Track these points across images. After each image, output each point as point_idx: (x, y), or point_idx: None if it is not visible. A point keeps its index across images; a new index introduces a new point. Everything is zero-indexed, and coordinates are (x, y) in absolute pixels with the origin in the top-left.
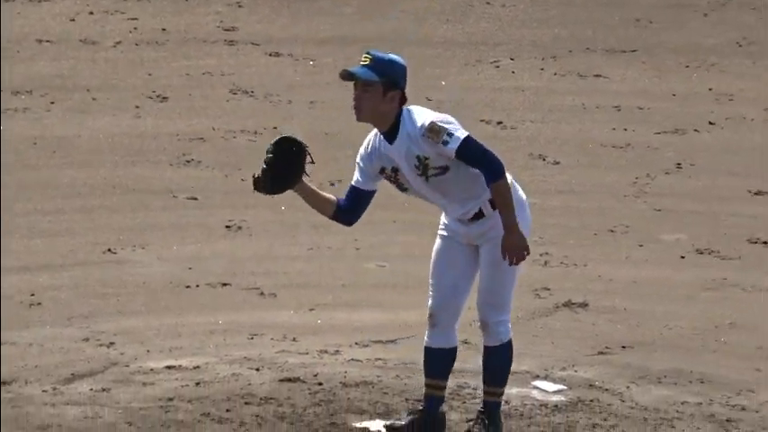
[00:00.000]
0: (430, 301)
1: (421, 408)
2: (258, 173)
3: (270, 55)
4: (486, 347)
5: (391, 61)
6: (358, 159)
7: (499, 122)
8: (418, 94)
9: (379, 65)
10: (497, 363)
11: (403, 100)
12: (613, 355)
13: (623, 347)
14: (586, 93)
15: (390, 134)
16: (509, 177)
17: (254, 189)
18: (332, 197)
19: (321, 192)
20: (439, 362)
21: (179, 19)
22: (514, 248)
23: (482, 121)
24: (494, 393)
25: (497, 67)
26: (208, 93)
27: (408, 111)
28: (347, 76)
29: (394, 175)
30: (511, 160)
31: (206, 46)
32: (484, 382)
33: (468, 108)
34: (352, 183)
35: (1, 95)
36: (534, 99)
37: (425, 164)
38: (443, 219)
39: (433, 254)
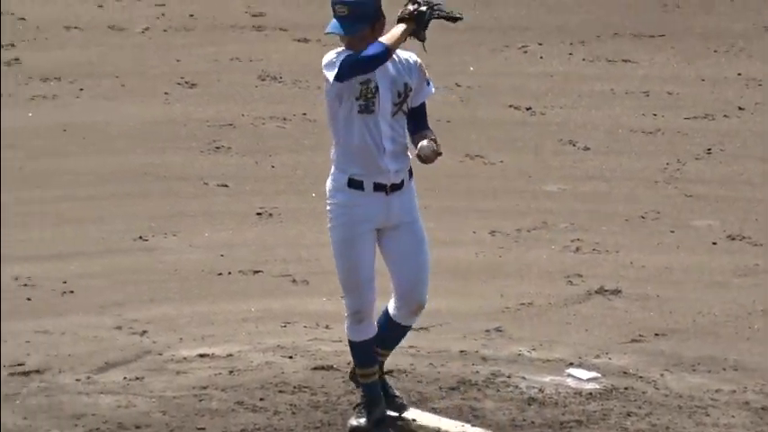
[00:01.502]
0: (352, 300)
1: (368, 397)
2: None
3: (298, 41)
4: (408, 326)
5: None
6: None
7: (528, 108)
8: (447, 80)
9: (357, 10)
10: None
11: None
12: (647, 342)
13: (656, 335)
14: (615, 78)
15: None
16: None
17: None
18: None
19: None
20: (373, 350)
21: (207, 5)
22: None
23: (510, 106)
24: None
25: (525, 52)
26: (236, 79)
27: None
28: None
29: (373, 92)
30: (540, 146)
31: (234, 32)
32: (388, 349)
33: (497, 94)
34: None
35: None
36: (563, 84)
37: (406, 94)
38: (349, 202)
39: (344, 247)
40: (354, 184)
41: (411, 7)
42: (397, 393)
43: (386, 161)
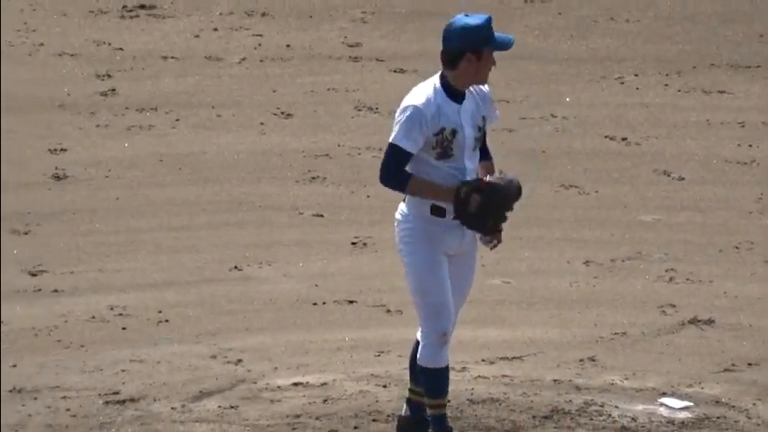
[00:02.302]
0: (439, 322)
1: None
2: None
3: (394, 71)
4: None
5: None
6: (421, 125)
7: (624, 138)
8: (543, 110)
9: None
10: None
11: None
12: (740, 372)
13: (749, 364)
14: (711, 108)
15: (462, 94)
16: None
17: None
18: None
19: None
20: (448, 377)
21: (304, 35)
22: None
23: (606, 137)
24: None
25: (622, 83)
26: (332, 109)
27: None
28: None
29: (450, 138)
30: (635, 176)
31: (330, 62)
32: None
33: (593, 124)
34: (410, 150)
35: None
36: (659, 115)
37: (484, 127)
38: (431, 229)
39: (428, 272)
40: (437, 211)
41: (475, 201)
42: None
43: None
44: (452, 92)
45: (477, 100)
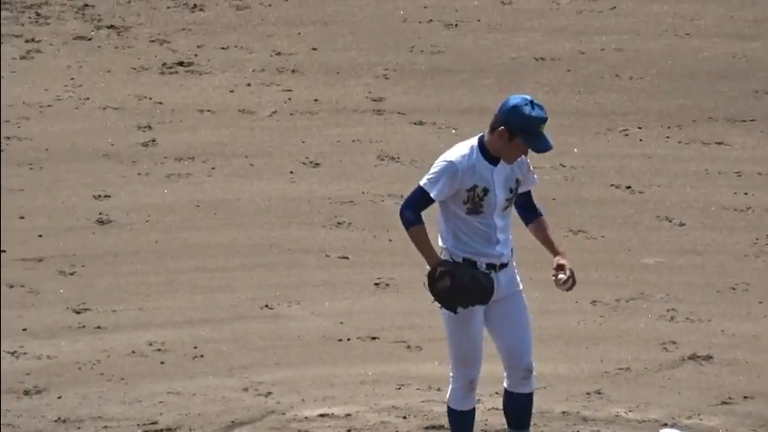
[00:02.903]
0: (467, 370)
1: None
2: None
3: (415, 124)
4: (526, 394)
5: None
6: (451, 177)
7: (628, 187)
8: (553, 160)
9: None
10: (531, 408)
11: None
12: (736, 404)
13: (745, 398)
14: (709, 159)
15: (497, 157)
16: None
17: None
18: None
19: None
20: (474, 418)
21: (331, 90)
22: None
23: (612, 185)
24: None
25: (626, 135)
26: (357, 159)
27: None
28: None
29: (481, 196)
30: (639, 222)
31: (356, 115)
32: (519, 428)
33: (599, 174)
34: (433, 196)
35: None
36: (660, 165)
37: (517, 189)
38: None
39: (461, 322)
40: (469, 263)
41: (444, 283)
42: None
43: (497, 249)
44: (487, 154)
45: (513, 165)
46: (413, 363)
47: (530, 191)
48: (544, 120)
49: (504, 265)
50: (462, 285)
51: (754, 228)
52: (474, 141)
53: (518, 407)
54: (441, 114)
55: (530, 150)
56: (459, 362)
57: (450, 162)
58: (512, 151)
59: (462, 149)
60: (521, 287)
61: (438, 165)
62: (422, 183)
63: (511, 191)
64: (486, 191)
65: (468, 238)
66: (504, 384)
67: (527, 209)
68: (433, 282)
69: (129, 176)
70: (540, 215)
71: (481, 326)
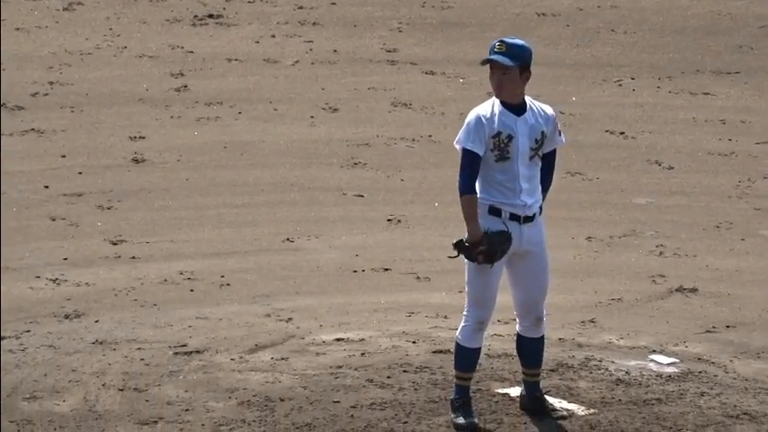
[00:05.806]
0: (480, 311)
1: (462, 400)
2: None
3: (426, 73)
4: (535, 338)
5: (522, 47)
6: (478, 126)
7: (621, 133)
8: (553, 108)
9: (513, 51)
10: (542, 348)
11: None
12: (719, 333)
13: (727, 327)
14: (696, 108)
15: (520, 108)
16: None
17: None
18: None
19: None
20: (478, 357)
21: (348, 42)
22: None
23: (606, 131)
24: (539, 374)
25: (620, 85)
26: (372, 105)
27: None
28: (488, 61)
29: (506, 142)
30: (631, 165)
31: (371, 65)
32: (532, 366)
33: (595, 121)
34: (471, 148)
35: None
36: (651, 113)
37: (542, 141)
38: (483, 226)
39: (481, 267)
40: (494, 211)
41: (479, 249)
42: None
43: (522, 197)
44: (509, 105)
45: (537, 116)
46: (422, 293)
47: (553, 154)
48: (493, 46)
49: (528, 219)
50: (492, 262)
51: (737, 171)
52: (496, 99)
53: (530, 348)
54: (450, 65)
55: (556, 116)
56: (474, 304)
57: (476, 115)
58: (491, 80)
59: (485, 105)
60: (545, 247)
61: (466, 122)
62: (460, 145)
63: (536, 141)
64: (510, 137)
65: (494, 188)
66: (517, 328)
67: (543, 173)
68: (468, 252)
69: (163, 119)
70: (548, 186)
71: (500, 275)
